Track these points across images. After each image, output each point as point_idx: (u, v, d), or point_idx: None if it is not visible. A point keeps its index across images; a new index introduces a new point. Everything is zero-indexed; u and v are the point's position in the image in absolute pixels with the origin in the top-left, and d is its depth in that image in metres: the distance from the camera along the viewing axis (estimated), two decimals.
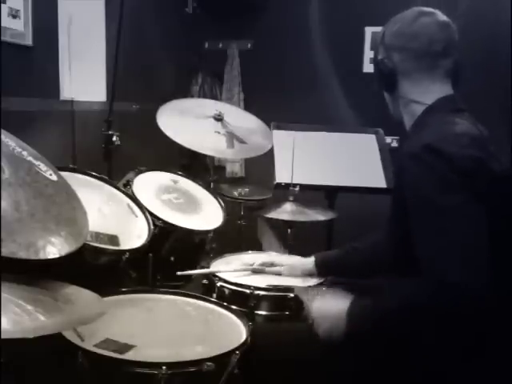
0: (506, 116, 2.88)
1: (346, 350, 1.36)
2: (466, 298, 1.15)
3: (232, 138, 2.28)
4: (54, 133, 2.45)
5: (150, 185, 2.12)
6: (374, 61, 1.52)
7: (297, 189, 2.09)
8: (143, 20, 3.19)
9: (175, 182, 2.23)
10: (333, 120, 3.39)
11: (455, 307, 1.17)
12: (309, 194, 2.14)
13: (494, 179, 1.29)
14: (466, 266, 1.17)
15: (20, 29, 2.28)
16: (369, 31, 3.49)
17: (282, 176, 2.33)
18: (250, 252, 2.09)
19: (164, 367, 1.19)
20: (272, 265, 1.86)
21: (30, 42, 2.33)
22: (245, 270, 1.85)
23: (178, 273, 1.82)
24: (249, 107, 3.53)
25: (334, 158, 2.55)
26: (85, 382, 1.22)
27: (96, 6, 2.80)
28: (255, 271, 1.85)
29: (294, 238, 2.24)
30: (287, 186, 2.12)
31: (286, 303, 1.68)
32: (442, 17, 1.44)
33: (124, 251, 1.64)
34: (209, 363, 1.22)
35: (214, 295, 1.73)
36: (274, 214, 2.04)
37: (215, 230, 2.06)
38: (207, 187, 2.33)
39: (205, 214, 2.15)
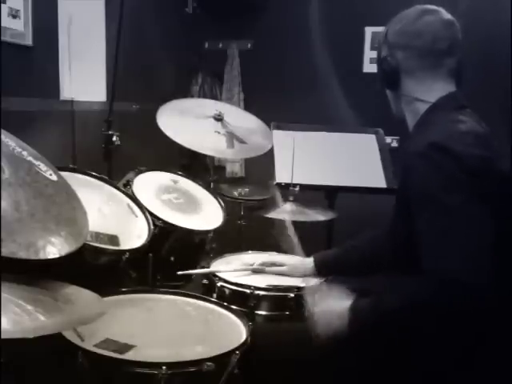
0: (506, 116, 2.88)
1: (346, 349, 1.36)
2: (468, 298, 1.15)
3: (232, 138, 2.28)
4: (53, 133, 2.45)
5: (150, 185, 2.12)
6: (377, 59, 1.52)
7: (297, 189, 2.08)
8: (143, 20, 3.19)
9: (175, 181, 2.23)
10: (333, 120, 3.39)
11: (457, 306, 1.17)
12: (309, 194, 2.14)
13: (500, 178, 1.29)
14: (469, 266, 1.17)
15: (20, 29, 2.28)
16: (369, 31, 3.50)
17: (282, 176, 2.33)
18: (249, 252, 2.09)
19: (164, 367, 1.19)
20: (272, 265, 1.86)
21: (30, 42, 2.33)
22: (245, 270, 1.85)
23: (179, 273, 1.82)
24: (249, 107, 3.53)
25: (334, 158, 2.55)
26: (85, 382, 1.22)
27: (96, 6, 2.80)
28: (255, 271, 1.85)
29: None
30: (287, 185, 2.12)
31: (286, 303, 1.68)
32: (446, 15, 1.43)
33: (124, 251, 1.64)
34: (209, 363, 1.22)
35: (214, 295, 1.73)
36: (273, 214, 2.04)
37: (215, 230, 2.06)
38: (207, 187, 2.33)
39: (205, 214, 2.14)
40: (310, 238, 2.14)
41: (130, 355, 1.25)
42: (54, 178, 1.38)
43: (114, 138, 2.25)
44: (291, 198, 2.08)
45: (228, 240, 2.25)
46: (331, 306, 1.37)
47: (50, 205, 1.29)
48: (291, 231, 1.92)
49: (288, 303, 1.67)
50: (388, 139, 3.01)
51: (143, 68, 3.23)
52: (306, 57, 3.63)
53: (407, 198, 1.32)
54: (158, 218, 1.90)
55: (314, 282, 1.77)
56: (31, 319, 1.04)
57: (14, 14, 2.23)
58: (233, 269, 1.85)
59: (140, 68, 3.17)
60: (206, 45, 3.86)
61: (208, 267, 1.87)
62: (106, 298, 1.44)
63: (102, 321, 1.18)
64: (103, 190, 1.87)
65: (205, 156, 3.29)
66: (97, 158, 2.26)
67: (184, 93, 3.74)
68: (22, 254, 1.11)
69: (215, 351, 1.27)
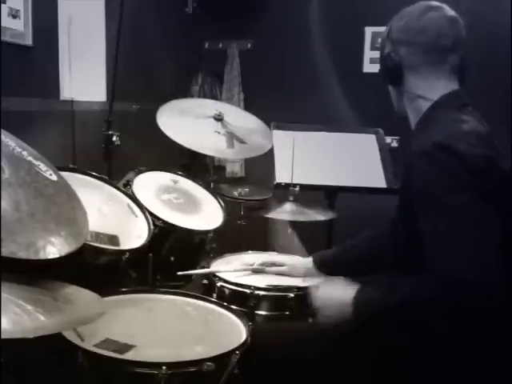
0: (506, 115, 2.88)
1: (347, 349, 1.36)
2: (474, 297, 1.15)
3: (232, 138, 2.28)
4: (54, 133, 2.45)
5: (150, 185, 2.12)
6: (380, 55, 1.51)
7: (297, 189, 2.08)
8: (143, 20, 3.19)
9: (175, 181, 2.23)
10: (333, 120, 3.39)
11: (463, 305, 1.16)
12: (309, 194, 2.14)
13: (502, 177, 1.29)
14: (474, 266, 1.16)
15: (20, 29, 2.28)
16: (369, 31, 3.50)
17: (281, 176, 2.33)
18: (249, 252, 2.09)
19: (164, 367, 1.19)
20: (272, 265, 1.86)
21: (30, 42, 2.33)
22: (245, 270, 1.85)
23: (179, 273, 1.82)
24: (249, 107, 3.53)
25: (334, 158, 2.55)
26: (85, 382, 1.22)
27: (96, 6, 2.80)
28: (255, 271, 1.85)
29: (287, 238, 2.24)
30: (287, 185, 2.12)
31: (285, 303, 1.68)
32: (450, 11, 1.43)
33: (124, 251, 1.64)
34: (209, 363, 1.22)
35: (214, 295, 1.73)
36: (273, 214, 2.04)
37: (215, 230, 2.06)
38: (207, 187, 2.33)
39: (205, 214, 2.14)
40: (310, 238, 2.14)
41: (129, 355, 1.25)
42: (54, 178, 1.38)
43: (114, 138, 2.25)
44: (291, 198, 2.08)
45: (228, 240, 2.25)
46: (335, 295, 1.37)
47: (50, 205, 1.29)
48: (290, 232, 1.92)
49: (288, 303, 1.67)
50: (388, 139, 3.01)
51: (143, 68, 3.23)
52: (306, 57, 3.63)
53: (409, 198, 1.32)
54: (158, 218, 1.90)
55: (314, 281, 1.77)
56: (31, 319, 1.04)
57: (14, 14, 2.23)
58: (233, 269, 1.85)
59: (140, 68, 3.17)
60: (206, 45, 3.86)
61: (208, 267, 1.87)
62: (106, 298, 1.44)
63: (102, 321, 1.18)
64: (103, 190, 1.87)
65: (205, 156, 3.29)
66: (97, 157, 2.26)
67: (184, 93, 3.74)
68: (22, 254, 1.11)
69: (215, 351, 1.27)
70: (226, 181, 3.51)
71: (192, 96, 3.78)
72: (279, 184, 2.34)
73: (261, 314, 1.68)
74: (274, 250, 2.15)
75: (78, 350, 1.21)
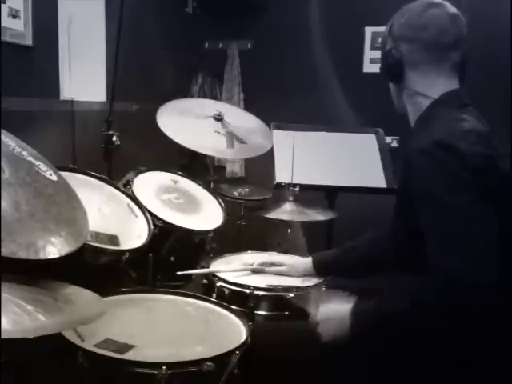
0: (506, 115, 2.88)
1: (347, 348, 1.36)
2: (473, 297, 1.15)
3: (232, 138, 2.28)
4: (54, 133, 2.45)
5: (150, 185, 2.12)
6: (381, 52, 1.51)
7: (297, 189, 2.08)
8: (143, 20, 3.19)
9: (175, 182, 2.23)
10: (333, 120, 3.39)
11: (462, 305, 1.16)
12: (309, 194, 2.14)
13: (502, 177, 1.29)
14: (472, 265, 1.16)
15: (20, 29, 2.28)
16: (369, 31, 3.50)
17: (282, 176, 2.33)
18: (249, 252, 2.09)
19: (164, 367, 1.19)
20: (271, 265, 1.86)
21: (30, 42, 2.33)
22: (244, 270, 1.85)
23: (178, 273, 1.82)
24: (249, 107, 3.53)
25: (334, 158, 2.55)
26: (85, 382, 1.22)
27: (96, 6, 2.80)
28: (255, 271, 1.85)
29: (294, 238, 2.24)
30: (287, 185, 2.12)
31: (285, 303, 1.68)
32: (451, 9, 1.43)
33: (124, 251, 1.64)
34: (209, 363, 1.22)
35: (214, 295, 1.73)
36: (274, 214, 2.04)
37: (215, 230, 2.06)
38: (207, 187, 2.33)
39: (205, 214, 2.14)
40: (310, 237, 2.15)
41: (129, 355, 1.25)
42: (54, 178, 1.38)
43: (114, 138, 2.25)
44: (291, 198, 2.08)
45: (228, 240, 2.25)
46: (332, 310, 1.38)
47: (50, 205, 1.29)
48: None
49: (287, 303, 1.67)
50: (388, 139, 3.01)
51: (143, 68, 3.23)
52: (306, 57, 3.63)
53: (409, 195, 1.32)
54: (158, 218, 1.90)
55: (313, 281, 1.77)
56: (31, 319, 1.04)
57: (14, 14, 2.23)
58: (232, 269, 1.85)
59: (140, 68, 3.17)
60: (206, 45, 3.86)
61: (208, 267, 1.87)
62: (106, 298, 1.44)
63: (102, 321, 1.18)
64: (103, 190, 1.87)
65: (205, 156, 3.29)
66: (97, 157, 2.26)
67: (184, 93, 3.74)
68: (22, 254, 1.11)
69: (215, 351, 1.27)
70: (225, 181, 3.51)
71: (192, 96, 3.78)
72: (279, 184, 2.34)
73: (260, 314, 1.68)
74: (273, 250, 2.15)
75: (78, 350, 1.21)
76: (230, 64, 3.81)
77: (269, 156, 2.40)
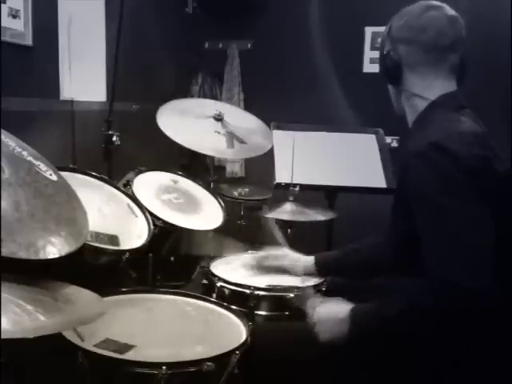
0: (506, 115, 2.88)
1: (346, 349, 1.36)
2: (470, 299, 1.15)
3: (232, 138, 2.28)
4: (54, 133, 2.45)
5: (150, 185, 2.12)
6: (380, 54, 1.51)
7: (297, 189, 2.08)
8: (143, 20, 3.19)
9: (175, 182, 2.23)
10: (333, 120, 3.39)
11: (459, 307, 1.17)
12: (309, 194, 2.14)
13: (498, 178, 1.29)
14: (470, 267, 1.17)
15: (20, 29, 2.28)
16: (369, 31, 3.50)
17: (282, 176, 2.33)
18: (249, 252, 2.09)
19: (164, 367, 1.18)
20: (275, 256, 1.85)
21: (30, 42, 2.33)
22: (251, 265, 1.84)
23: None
24: (249, 107, 3.53)
25: (334, 158, 2.55)
26: (85, 382, 1.22)
27: (96, 6, 2.80)
28: (258, 262, 1.84)
29: (294, 238, 2.23)
30: (287, 185, 2.12)
31: (285, 303, 1.67)
32: (450, 11, 1.43)
33: (124, 251, 1.64)
34: (209, 363, 1.22)
35: (214, 295, 1.73)
36: (274, 214, 2.04)
37: (215, 230, 2.06)
38: (207, 187, 2.33)
39: (205, 214, 2.14)
40: (310, 237, 2.14)
41: (129, 355, 1.25)
42: (54, 178, 1.38)
43: (114, 138, 2.25)
44: (291, 198, 2.08)
45: (228, 240, 2.25)
46: (331, 312, 1.38)
47: (50, 205, 1.29)
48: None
49: (288, 303, 1.67)
50: (388, 139, 3.01)
51: (143, 68, 3.23)
52: (306, 57, 3.63)
53: (406, 197, 1.32)
54: (158, 218, 1.90)
55: (313, 281, 1.77)
56: (31, 319, 1.04)
57: (14, 14, 2.23)
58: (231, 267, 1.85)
59: (140, 68, 3.17)
60: (206, 45, 3.86)
61: (208, 267, 1.87)
62: (106, 298, 1.44)
63: (102, 321, 1.18)
64: (103, 190, 1.87)
65: (205, 156, 3.29)
66: (97, 157, 2.26)
67: (184, 93, 3.74)
68: (22, 254, 1.11)
69: (215, 351, 1.27)
70: (226, 181, 3.52)
71: (192, 96, 3.78)
72: (279, 184, 2.34)
73: (261, 314, 1.68)
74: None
75: (78, 350, 1.21)
76: (230, 64, 3.81)
77: (269, 156, 2.40)
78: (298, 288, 1.70)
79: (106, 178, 1.93)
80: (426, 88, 1.43)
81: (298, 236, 2.21)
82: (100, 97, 2.80)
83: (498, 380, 1.30)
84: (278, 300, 1.69)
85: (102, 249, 1.58)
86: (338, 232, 2.48)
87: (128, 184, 2.00)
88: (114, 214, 1.78)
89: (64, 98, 2.58)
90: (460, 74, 1.46)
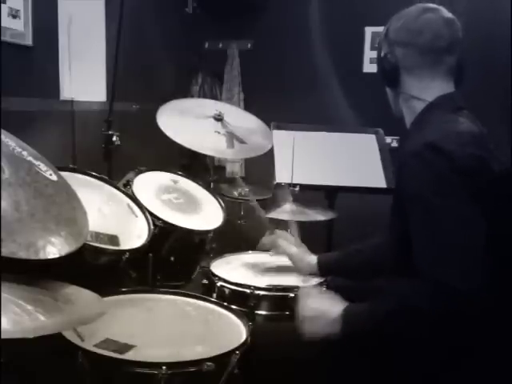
0: (506, 115, 2.88)
1: (346, 349, 1.36)
2: (460, 300, 1.16)
3: (232, 138, 2.27)
4: (54, 133, 2.45)
5: (150, 185, 2.12)
6: (378, 57, 1.52)
7: (297, 189, 2.08)
8: (143, 20, 3.19)
9: (175, 182, 2.23)
10: (333, 120, 3.39)
11: (449, 309, 1.17)
12: (309, 194, 2.14)
13: (493, 179, 1.29)
14: (460, 268, 1.17)
15: (20, 29, 2.28)
16: (369, 31, 3.50)
17: (282, 176, 2.33)
18: (249, 252, 2.09)
19: (164, 367, 1.19)
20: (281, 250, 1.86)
21: (30, 42, 2.33)
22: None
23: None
24: (249, 107, 3.53)
25: (334, 158, 2.55)
26: (85, 382, 1.22)
27: (96, 6, 2.80)
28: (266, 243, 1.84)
29: None
30: (287, 185, 2.12)
31: (285, 303, 1.68)
32: (446, 13, 1.44)
33: (124, 251, 1.64)
34: (209, 363, 1.22)
35: (214, 295, 1.73)
36: (274, 214, 2.04)
37: (215, 230, 2.06)
38: (207, 187, 2.33)
39: (205, 213, 2.14)
40: (310, 237, 2.14)
41: (129, 355, 1.25)
42: (54, 178, 1.38)
43: (114, 138, 2.25)
44: (291, 198, 2.08)
45: (228, 240, 2.25)
46: (323, 310, 1.38)
47: (50, 205, 1.28)
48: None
49: (288, 303, 1.67)
50: (388, 139, 3.01)
51: (143, 68, 3.23)
52: (306, 57, 3.63)
53: (402, 197, 1.33)
54: (158, 218, 1.90)
55: (313, 281, 1.77)
56: (31, 319, 1.04)
57: (14, 14, 2.23)
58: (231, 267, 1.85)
59: (140, 68, 3.17)
60: (206, 45, 3.86)
61: (208, 267, 1.87)
62: (106, 298, 1.44)
63: (102, 321, 1.18)
64: (103, 190, 1.87)
65: (205, 156, 3.29)
66: (97, 157, 2.26)
67: (184, 93, 3.74)
68: (22, 254, 1.11)
69: (215, 351, 1.27)
70: (225, 181, 3.52)
71: (192, 96, 3.79)
72: (279, 184, 2.34)
73: (261, 314, 1.68)
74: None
75: (78, 350, 1.21)
76: (230, 64, 3.81)
77: (269, 156, 2.39)
78: (298, 288, 1.70)
79: (106, 178, 1.93)
80: (424, 90, 1.44)
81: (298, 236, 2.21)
82: (100, 97, 2.80)
83: (490, 381, 1.30)
84: (278, 300, 1.69)
85: (101, 249, 1.58)
86: (338, 232, 2.48)
87: (128, 184, 2.00)
88: (114, 214, 1.78)
89: (64, 98, 2.58)
90: (458, 76, 1.46)
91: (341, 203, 2.49)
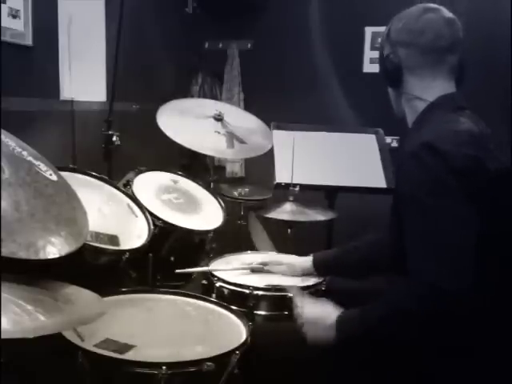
0: (506, 115, 2.88)
1: (346, 349, 1.36)
2: (449, 300, 1.16)
3: (232, 138, 2.28)
4: (54, 133, 2.45)
5: (150, 185, 2.12)
6: (379, 57, 1.52)
7: (297, 189, 2.09)
8: (143, 20, 3.19)
9: (175, 182, 2.23)
10: (333, 120, 3.39)
11: (439, 309, 1.18)
12: (309, 194, 2.14)
13: (489, 179, 1.29)
14: (450, 269, 1.18)
15: (20, 29, 2.28)
16: (369, 31, 3.49)
17: (282, 176, 2.33)
18: (249, 252, 2.09)
19: (164, 367, 1.19)
20: (271, 263, 1.86)
21: (30, 42, 2.33)
22: (243, 269, 1.86)
23: (177, 271, 1.82)
24: (249, 107, 3.53)
25: (334, 158, 2.55)
26: (85, 382, 1.22)
27: (96, 6, 2.80)
28: (254, 270, 1.85)
29: (294, 238, 2.24)
30: (287, 185, 2.12)
31: (285, 303, 1.67)
32: (447, 13, 1.44)
33: (124, 251, 1.64)
34: (209, 363, 1.22)
35: (214, 295, 1.72)
36: (274, 214, 2.04)
37: (215, 230, 2.06)
38: (207, 187, 2.33)
39: (205, 214, 2.15)
40: (310, 237, 2.15)
41: (129, 355, 1.25)
42: (54, 178, 1.38)
43: (114, 138, 2.25)
44: (291, 198, 2.08)
45: (228, 240, 2.25)
46: (318, 317, 1.38)
47: (50, 205, 1.29)
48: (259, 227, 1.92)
49: (287, 303, 1.67)
50: (388, 139, 3.01)
51: (143, 68, 3.23)
52: (306, 57, 3.63)
53: (397, 198, 1.34)
54: (158, 218, 1.90)
55: (312, 281, 1.77)
56: (31, 319, 1.04)
57: (14, 14, 2.23)
58: (231, 267, 1.85)
59: (140, 68, 3.17)
60: (206, 45, 3.86)
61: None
62: (106, 298, 1.44)
63: (102, 321, 1.18)
64: (103, 190, 1.87)
65: (205, 156, 3.29)
66: (97, 157, 2.26)
67: (184, 93, 3.74)
68: (22, 254, 1.11)
69: (215, 351, 1.27)
70: (225, 181, 3.52)
71: (192, 96, 3.78)
72: (279, 184, 2.34)
73: (260, 314, 1.68)
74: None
75: (78, 350, 1.21)
76: (230, 64, 3.81)
77: (269, 156, 2.40)
78: (297, 288, 1.70)
79: (106, 178, 1.93)
80: (425, 90, 1.44)
81: (298, 236, 2.21)
82: (100, 97, 2.80)
83: (488, 381, 1.30)
84: (277, 300, 1.69)
85: (102, 249, 1.58)
86: (338, 232, 2.48)
87: (128, 184, 2.00)
88: (114, 214, 1.78)
89: (64, 98, 2.58)
90: (459, 76, 1.47)
91: (341, 203, 2.49)
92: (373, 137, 2.64)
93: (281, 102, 3.51)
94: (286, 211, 2.05)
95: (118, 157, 2.29)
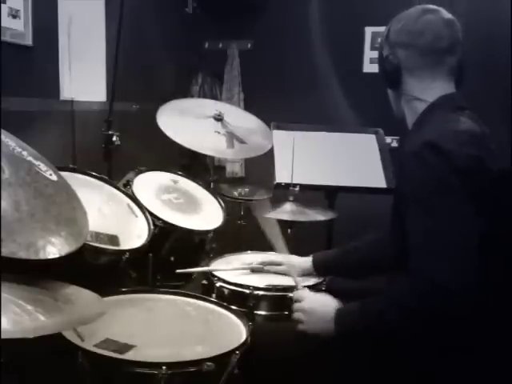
0: (506, 115, 2.88)
1: (346, 349, 1.37)
2: (450, 299, 1.16)
3: (232, 138, 2.28)
4: (54, 133, 2.45)
5: (150, 185, 2.12)
6: (379, 58, 1.52)
7: (297, 189, 2.08)
8: (143, 20, 3.19)
9: (175, 182, 2.23)
10: (333, 120, 3.39)
11: (439, 307, 1.18)
12: (309, 194, 2.14)
13: (491, 178, 1.29)
14: (452, 267, 1.18)
15: (20, 29, 2.28)
16: (369, 31, 3.49)
17: (282, 176, 2.33)
18: (249, 252, 2.09)
19: (164, 367, 1.19)
20: (271, 264, 1.86)
21: (30, 42, 2.33)
22: (243, 269, 1.86)
23: (178, 271, 1.82)
24: (249, 107, 3.53)
25: (334, 158, 2.55)
26: (85, 382, 1.22)
27: (96, 6, 2.80)
28: (254, 270, 1.85)
29: (294, 238, 2.24)
30: (287, 185, 2.12)
31: (285, 303, 1.67)
32: (446, 14, 1.45)
33: (124, 251, 1.64)
34: (209, 363, 1.22)
35: (214, 295, 1.72)
36: (273, 214, 2.04)
37: (215, 230, 2.06)
38: (207, 187, 2.33)
39: (205, 214, 2.15)
40: (310, 237, 2.15)
41: (130, 355, 1.25)
42: (54, 178, 1.38)
43: (114, 138, 2.25)
44: (291, 198, 2.08)
45: (228, 240, 2.25)
46: (317, 310, 1.39)
47: (50, 205, 1.29)
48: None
49: (287, 303, 1.67)
50: (388, 139, 3.01)
51: (143, 68, 3.23)
52: (306, 57, 3.63)
53: (401, 197, 1.34)
54: (158, 218, 1.90)
55: (312, 281, 1.77)
56: (31, 319, 1.04)
57: (14, 14, 2.23)
58: (231, 267, 1.85)
59: (140, 68, 3.17)
60: (206, 45, 3.85)
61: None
62: (106, 298, 1.44)
63: (102, 321, 1.18)
64: (103, 190, 1.87)
65: (205, 156, 3.29)
66: (97, 157, 2.26)
67: (184, 93, 3.74)
68: (22, 254, 1.11)
69: (215, 351, 1.27)
70: (225, 181, 3.51)
71: (192, 96, 3.78)
72: (279, 184, 2.34)
73: (260, 314, 1.68)
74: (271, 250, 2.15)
75: (78, 350, 1.21)
76: (230, 64, 3.81)
77: (269, 156, 2.40)
78: (297, 288, 1.70)
79: (106, 178, 1.93)
80: (425, 90, 1.44)
81: (298, 236, 2.21)
82: (100, 97, 2.80)
83: (488, 379, 1.30)
84: (277, 300, 1.69)
85: (101, 249, 1.58)
86: (338, 232, 2.48)
87: (128, 184, 2.00)
88: (114, 214, 1.78)
89: (64, 98, 2.58)
90: (458, 76, 1.47)
91: (341, 203, 2.49)
92: (373, 137, 2.64)
93: (281, 102, 3.51)
94: (285, 211, 2.05)
95: (118, 157, 2.29)
